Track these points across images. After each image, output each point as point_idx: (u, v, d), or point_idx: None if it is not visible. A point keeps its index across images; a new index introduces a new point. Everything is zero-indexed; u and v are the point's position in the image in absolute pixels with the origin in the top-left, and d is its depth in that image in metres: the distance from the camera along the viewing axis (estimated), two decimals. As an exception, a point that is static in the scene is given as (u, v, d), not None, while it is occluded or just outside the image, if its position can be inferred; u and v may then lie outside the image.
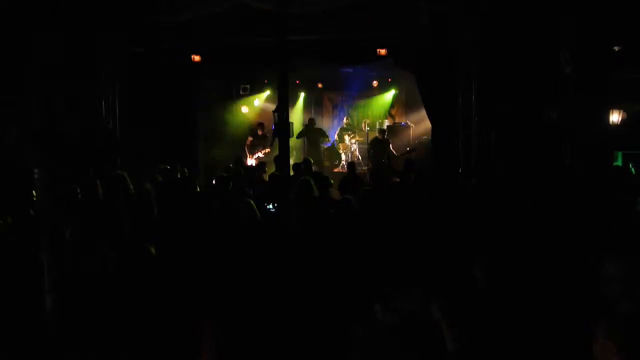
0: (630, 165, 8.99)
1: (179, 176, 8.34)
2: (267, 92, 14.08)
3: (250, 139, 12.86)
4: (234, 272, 4.34)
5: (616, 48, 8.43)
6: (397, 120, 14.46)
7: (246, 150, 12.80)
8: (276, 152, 8.47)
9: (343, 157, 13.91)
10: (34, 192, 5.09)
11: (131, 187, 5.74)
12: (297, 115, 14.05)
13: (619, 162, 9.35)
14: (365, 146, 13.18)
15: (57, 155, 3.89)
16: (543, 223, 5.08)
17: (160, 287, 3.71)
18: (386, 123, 14.20)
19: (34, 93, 3.82)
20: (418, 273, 3.74)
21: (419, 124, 13.51)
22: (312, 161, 9.67)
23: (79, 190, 6.09)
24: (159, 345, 3.39)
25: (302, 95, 14.63)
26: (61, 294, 3.54)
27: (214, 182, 7.61)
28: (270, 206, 6.09)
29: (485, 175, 8.89)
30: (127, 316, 3.52)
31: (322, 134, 13.66)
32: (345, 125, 14.36)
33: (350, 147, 13.97)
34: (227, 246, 4.56)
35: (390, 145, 12.42)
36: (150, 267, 3.76)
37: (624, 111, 9.42)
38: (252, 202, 5.03)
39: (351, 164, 10.21)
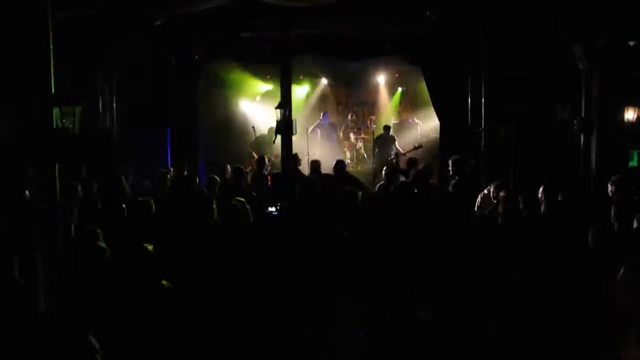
0: None
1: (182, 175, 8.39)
2: (270, 87, 14.08)
3: (255, 138, 12.88)
4: (234, 274, 4.39)
5: (631, 43, 8.41)
6: (403, 117, 14.46)
7: (251, 149, 12.81)
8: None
9: (348, 154, 13.92)
10: (27, 191, 5.15)
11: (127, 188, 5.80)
12: (299, 112, 14.04)
13: (634, 162, 9.32)
14: (371, 144, 13.19)
15: (52, 153, 3.93)
16: (555, 225, 5.09)
17: (158, 286, 3.76)
18: (392, 120, 14.21)
19: (31, 90, 3.86)
20: (454, 272, 3.80)
21: (427, 121, 13.51)
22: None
23: (79, 189, 6.16)
24: (155, 343, 3.44)
25: (305, 90, 14.62)
26: (58, 293, 3.59)
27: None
28: (272, 208, 6.10)
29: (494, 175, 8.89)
30: (123, 315, 3.57)
31: (335, 129, 13.80)
32: (350, 122, 14.38)
33: (356, 145, 13.98)
34: (226, 247, 4.61)
35: (397, 143, 12.41)
36: (148, 266, 3.81)
37: (639, 109, 9.40)
38: (246, 205, 5.05)
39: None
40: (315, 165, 8.72)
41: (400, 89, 14.47)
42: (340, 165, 8.30)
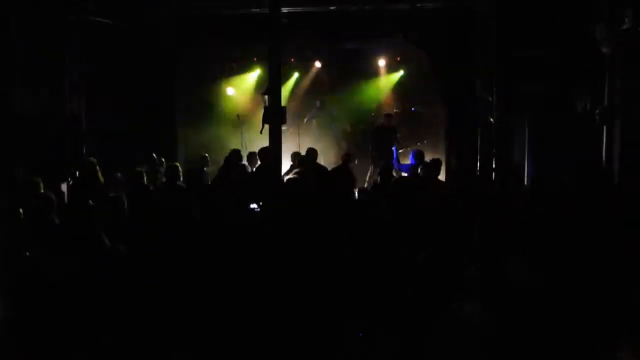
0: None
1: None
2: (257, 72, 14.03)
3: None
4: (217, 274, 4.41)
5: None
6: (406, 106, 14.44)
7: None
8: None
9: (344, 146, 13.90)
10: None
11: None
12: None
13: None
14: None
15: (13, 143, 3.90)
16: (575, 226, 5.12)
17: (130, 286, 3.77)
18: (394, 109, 14.19)
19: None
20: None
21: (432, 110, 13.49)
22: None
23: (41, 184, 6.12)
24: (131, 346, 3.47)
25: (295, 75, 14.56)
26: (24, 296, 3.59)
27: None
28: (255, 205, 6.12)
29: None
30: (94, 318, 3.59)
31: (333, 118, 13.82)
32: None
33: (353, 136, 13.95)
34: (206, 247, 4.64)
35: (398, 134, 12.40)
36: (120, 265, 3.83)
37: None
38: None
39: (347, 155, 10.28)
40: (299, 157, 8.76)
41: (402, 73, 14.43)
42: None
